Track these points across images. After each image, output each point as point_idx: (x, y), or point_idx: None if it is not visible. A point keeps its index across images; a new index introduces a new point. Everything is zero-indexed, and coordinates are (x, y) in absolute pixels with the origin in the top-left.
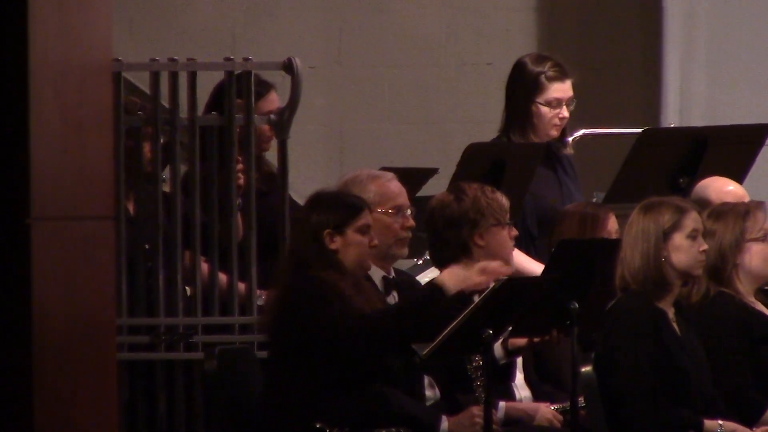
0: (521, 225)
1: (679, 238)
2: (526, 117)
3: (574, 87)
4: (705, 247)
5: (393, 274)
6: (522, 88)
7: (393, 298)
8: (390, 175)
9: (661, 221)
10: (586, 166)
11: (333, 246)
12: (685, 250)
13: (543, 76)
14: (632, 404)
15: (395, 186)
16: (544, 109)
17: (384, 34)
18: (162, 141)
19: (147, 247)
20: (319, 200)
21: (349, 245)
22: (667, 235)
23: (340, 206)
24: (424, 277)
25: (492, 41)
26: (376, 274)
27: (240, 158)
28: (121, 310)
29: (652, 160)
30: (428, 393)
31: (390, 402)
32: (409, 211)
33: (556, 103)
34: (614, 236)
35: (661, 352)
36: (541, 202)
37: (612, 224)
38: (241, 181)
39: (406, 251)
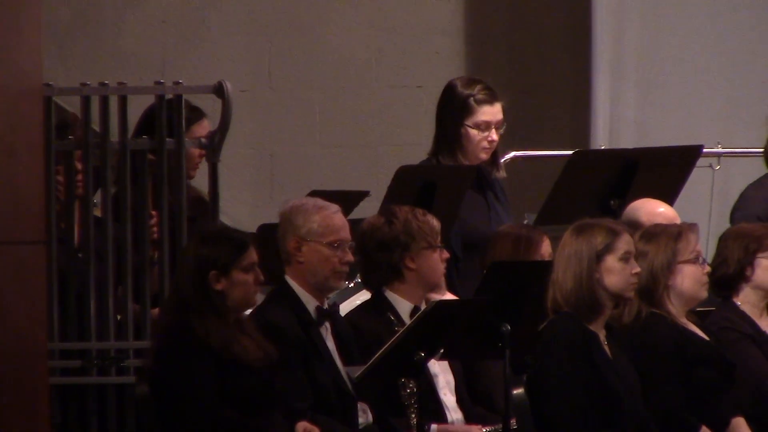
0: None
1: (611, 261)
2: (456, 139)
3: (504, 110)
4: (637, 269)
5: (327, 305)
6: (451, 110)
7: (326, 328)
8: (335, 207)
9: (593, 243)
10: (517, 189)
11: (218, 287)
12: (617, 273)
13: (472, 98)
14: (564, 427)
15: (339, 219)
16: (473, 132)
17: (314, 57)
18: (93, 165)
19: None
20: (204, 238)
21: (234, 285)
22: (599, 257)
23: (225, 245)
24: (355, 301)
25: (422, 64)
26: (311, 304)
27: (154, 212)
28: (52, 335)
29: (583, 182)
30: (360, 419)
31: (322, 428)
32: (349, 246)
33: (485, 126)
34: (548, 259)
35: (593, 375)
36: (467, 225)
37: (546, 247)
38: (156, 236)
39: (343, 284)
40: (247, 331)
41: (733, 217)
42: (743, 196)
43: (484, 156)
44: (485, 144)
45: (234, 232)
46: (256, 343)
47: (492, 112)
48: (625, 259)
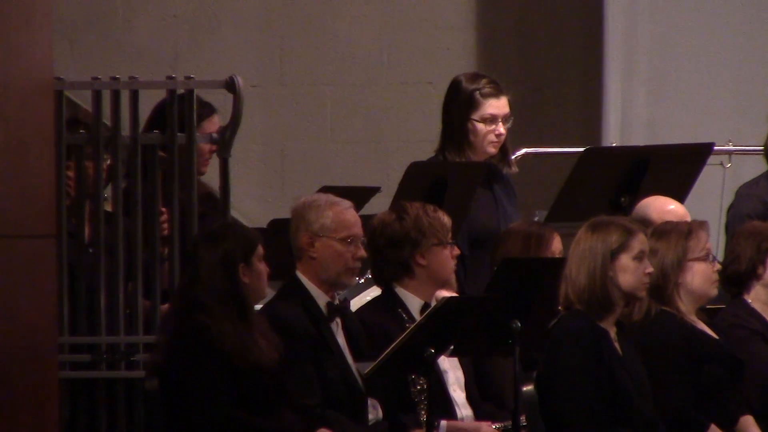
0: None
1: (625, 259)
2: (463, 134)
3: (514, 105)
4: (650, 269)
5: (338, 300)
6: (457, 105)
7: (336, 324)
8: (348, 203)
9: (609, 241)
10: (528, 185)
11: (246, 279)
12: (631, 272)
13: (478, 92)
14: (573, 424)
15: (351, 215)
16: (480, 126)
17: (325, 53)
18: (108, 161)
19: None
20: (217, 236)
21: (256, 276)
22: (614, 255)
23: (242, 238)
24: (365, 296)
25: (433, 60)
26: (321, 299)
27: (164, 209)
28: (62, 329)
29: (594, 179)
30: (370, 415)
31: (332, 424)
32: (361, 242)
33: (491, 120)
34: (558, 256)
35: (603, 372)
36: (474, 221)
37: (556, 245)
38: (166, 232)
39: (354, 280)
40: (262, 331)
41: (728, 214)
42: (738, 194)
43: (491, 150)
44: (492, 138)
45: (239, 226)
46: (272, 344)
47: (498, 105)
48: (638, 258)
